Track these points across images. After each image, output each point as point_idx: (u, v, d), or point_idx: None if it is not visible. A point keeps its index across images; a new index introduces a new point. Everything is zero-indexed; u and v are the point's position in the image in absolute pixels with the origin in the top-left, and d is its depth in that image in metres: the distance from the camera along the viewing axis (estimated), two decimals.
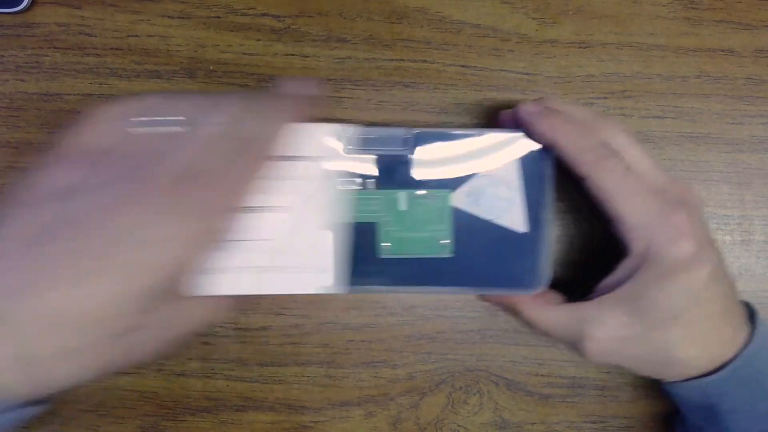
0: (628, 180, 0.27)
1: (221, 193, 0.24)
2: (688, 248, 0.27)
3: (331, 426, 0.36)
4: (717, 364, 0.29)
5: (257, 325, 0.35)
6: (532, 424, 0.36)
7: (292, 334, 0.35)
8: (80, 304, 0.22)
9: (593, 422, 0.36)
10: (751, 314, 0.31)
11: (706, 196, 0.35)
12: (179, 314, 0.25)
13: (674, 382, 0.30)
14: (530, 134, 0.28)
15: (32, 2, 0.34)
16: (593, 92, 0.35)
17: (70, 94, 0.34)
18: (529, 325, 0.31)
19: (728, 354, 0.29)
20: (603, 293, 0.29)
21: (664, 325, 0.28)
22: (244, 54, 0.34)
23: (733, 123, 0.35)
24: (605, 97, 0.35)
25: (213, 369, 0.35)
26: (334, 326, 0.35)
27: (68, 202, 0.23)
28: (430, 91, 0.35)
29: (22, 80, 0.34)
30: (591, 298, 0.29)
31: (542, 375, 0.36)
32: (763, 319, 0.30)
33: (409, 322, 0.35)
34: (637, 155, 0.28)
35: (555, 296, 0.31)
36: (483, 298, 0.34)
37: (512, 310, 0.31)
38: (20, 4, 0.33)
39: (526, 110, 0.28)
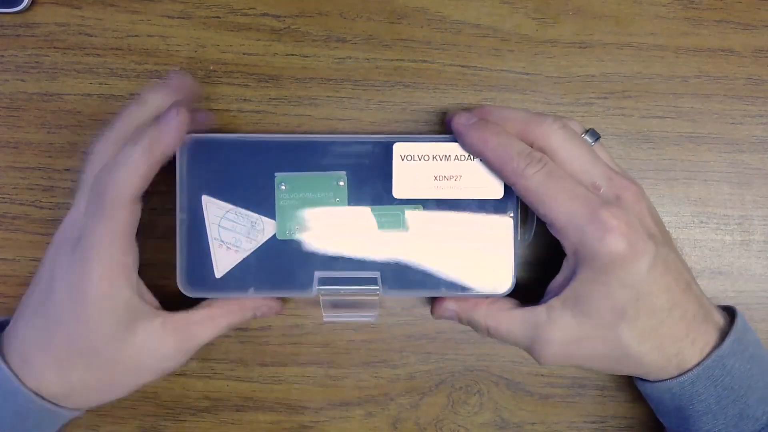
0: (551, 183, 0.27)
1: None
2: (617, 244, 0.26)
3: (331, 426, 0.36)
4: (677, 362, 0.28)
5: (257, 325, 0.35)
6: (532, 424, 0.36)
7: (292, 334, 0.35)
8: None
9: (593, 422, 0.36)
10: (732, 315, 0.30)
11: (706, 196, 0.35)
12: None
13: (645, 381, 0.30)
14: (462, 145, 0.30)
15: (32, 2, 0.34)
16: (593, 92, 0.35)
17: (70, 94, 0.34)
18: (486, 332, 0.31)
19: (691, 353, 0.28)
20: (552, 295, 0.29)
21: (610, 322, 0.28)
22: (244, 54, 0.34)
23: (733, 123, 0.35)
24: (605, 97, 0.35)
25: (213, 369, 0.35)
26: (334, 326, 0.35)
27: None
28: (430, 91, 0.35)
29: (22, 80, 0.34)
30: (542, 302, 0.29)
31: (542, 375, 0.36)
32: (745, 322, 0.30)
33: (409, 322, 0.35)
34: (572, 153, 0.28)
35: (508, 302, 0.31)
36: (437, 311, 0.32)
37: (467, 319, 0.31)
38: (20, 4, 0.33)
39: (458, 122, 0.29)
